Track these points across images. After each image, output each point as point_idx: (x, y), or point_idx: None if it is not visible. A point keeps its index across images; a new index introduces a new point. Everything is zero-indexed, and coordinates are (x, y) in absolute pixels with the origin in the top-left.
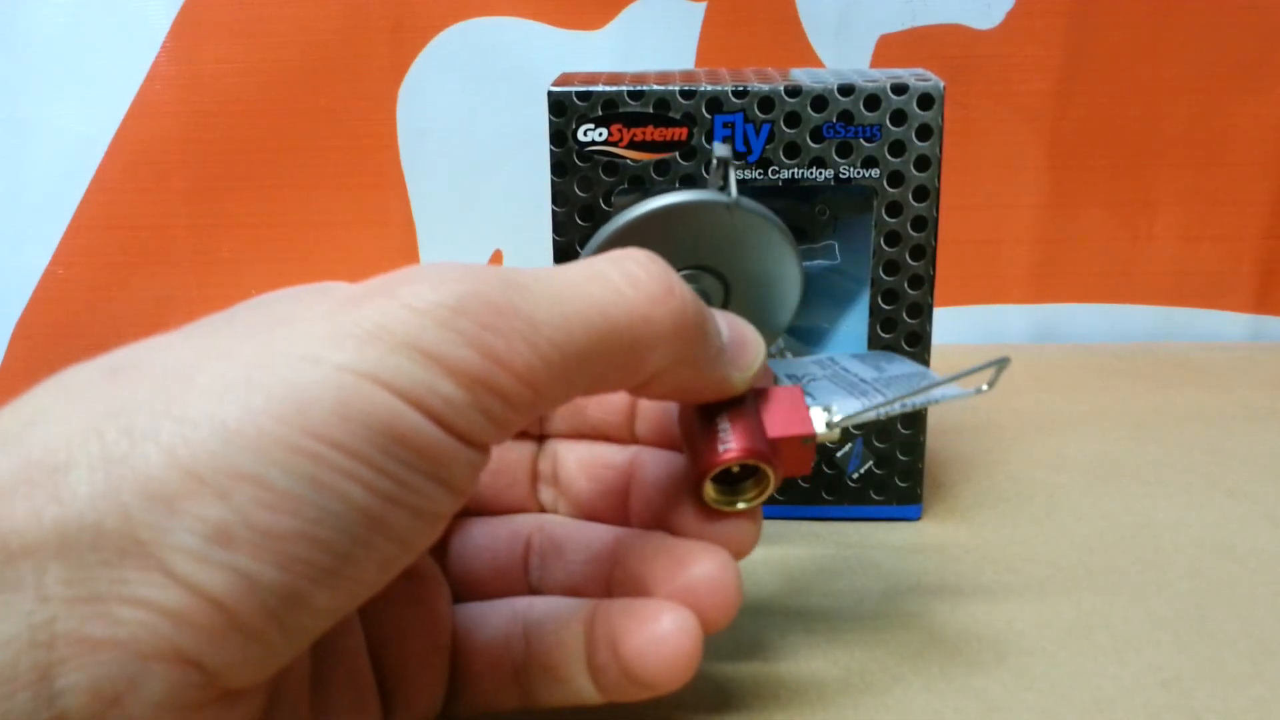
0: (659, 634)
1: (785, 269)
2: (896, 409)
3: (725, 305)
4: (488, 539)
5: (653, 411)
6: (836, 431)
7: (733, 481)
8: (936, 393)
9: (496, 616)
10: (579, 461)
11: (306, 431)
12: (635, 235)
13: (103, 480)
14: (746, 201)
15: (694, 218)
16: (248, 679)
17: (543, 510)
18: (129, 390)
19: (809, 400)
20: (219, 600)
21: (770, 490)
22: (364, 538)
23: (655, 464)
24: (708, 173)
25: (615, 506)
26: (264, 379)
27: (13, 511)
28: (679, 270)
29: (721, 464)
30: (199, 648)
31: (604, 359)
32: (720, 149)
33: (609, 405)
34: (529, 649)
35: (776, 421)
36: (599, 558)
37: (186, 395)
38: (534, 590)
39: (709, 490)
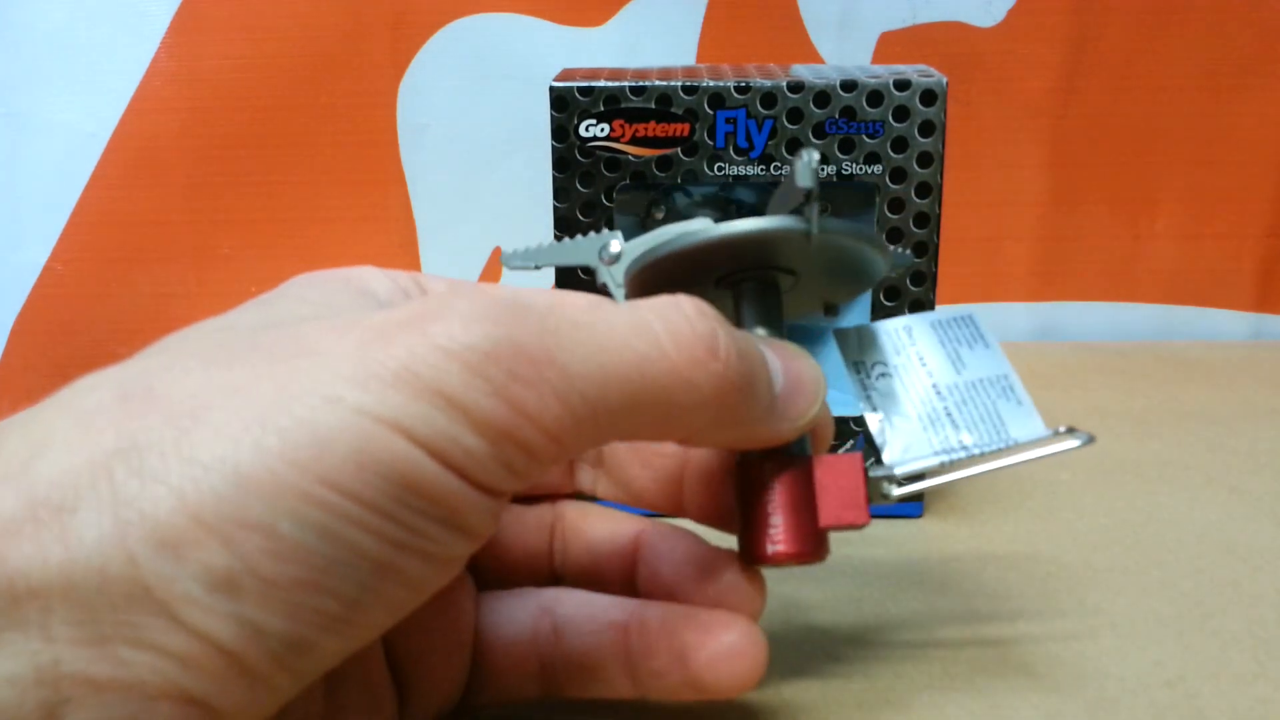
0: (731, 647)
1: (869, 272)
2: (973, 468)
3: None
4: (515, 524)
5: None
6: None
7: None
8: (1026, 454)
9: (523, 611)
10: (629, 445)
11: (320, 479)
12: (699, 255)
13: (110, 524)
14: (831, 227)
15: (766, 243)
16: (253, 716)
17: (580, 494)
18: (141, 422)
19: (875, 431)
20: (226, 648)
21: None
22: (374, 585)
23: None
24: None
25: (670, 494)
26: (280, 420)
27: (18, 552)
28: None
29: (768, 563)
30: (205, 690)
31: (637, 417)
32: (808, 159)
33: None
34: (561, 645)
35: (830, 506)
36: (624, 548)
37: (199, 433)
38: (557, 575)
39: None
